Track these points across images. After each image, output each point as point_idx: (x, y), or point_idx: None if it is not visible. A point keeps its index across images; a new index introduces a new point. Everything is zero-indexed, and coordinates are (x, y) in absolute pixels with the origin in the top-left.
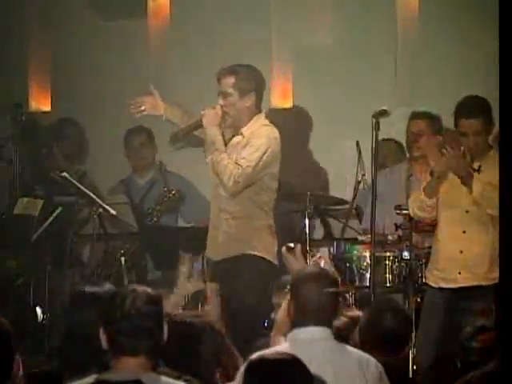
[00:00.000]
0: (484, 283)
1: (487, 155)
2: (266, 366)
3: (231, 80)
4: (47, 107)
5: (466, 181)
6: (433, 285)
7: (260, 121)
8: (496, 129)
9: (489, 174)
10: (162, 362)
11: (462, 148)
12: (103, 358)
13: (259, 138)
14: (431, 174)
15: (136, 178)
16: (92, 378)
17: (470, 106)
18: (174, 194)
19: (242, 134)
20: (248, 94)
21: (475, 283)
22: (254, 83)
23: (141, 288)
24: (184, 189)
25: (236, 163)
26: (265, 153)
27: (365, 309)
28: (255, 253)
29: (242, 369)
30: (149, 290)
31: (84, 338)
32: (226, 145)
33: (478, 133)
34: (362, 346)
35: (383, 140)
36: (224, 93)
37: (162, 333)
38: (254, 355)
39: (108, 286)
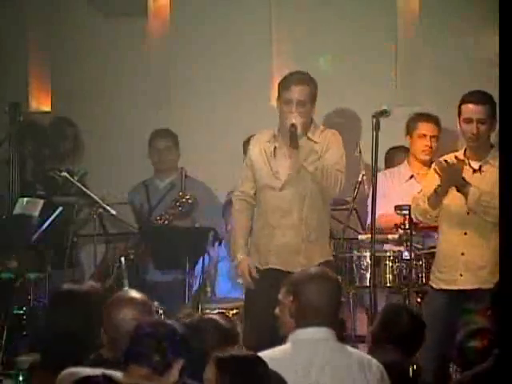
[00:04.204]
0: (485, 286)
1: (488, 155)
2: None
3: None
4: (47, 107)
5: (461, 190)
6: (434, 286)
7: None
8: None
9: (490, 175)
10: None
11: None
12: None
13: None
14: (436, 190)
15: (156, 180)
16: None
17: (477, 94)
18: (187, 199)
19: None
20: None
21: (476, 286)
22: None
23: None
24: (202, 195)
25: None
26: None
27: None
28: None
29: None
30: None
31: (64, 336)
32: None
33: (483, 121)
34: (375, 347)
35: (394, 148)
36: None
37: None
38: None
39: (89, 285)
